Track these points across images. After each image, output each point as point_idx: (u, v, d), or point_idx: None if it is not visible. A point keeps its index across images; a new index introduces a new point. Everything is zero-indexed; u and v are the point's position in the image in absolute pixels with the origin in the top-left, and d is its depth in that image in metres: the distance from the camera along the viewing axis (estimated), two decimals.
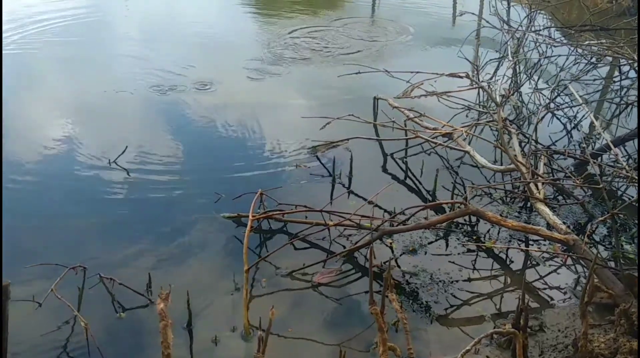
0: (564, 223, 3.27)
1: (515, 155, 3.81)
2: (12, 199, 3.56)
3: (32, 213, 3.49)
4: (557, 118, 4.90)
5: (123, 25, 6.95)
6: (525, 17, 6.04)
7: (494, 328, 2.68)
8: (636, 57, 4.71)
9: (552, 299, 2.98)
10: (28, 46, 6.11)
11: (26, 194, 3.67)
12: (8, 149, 4.04)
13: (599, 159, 4.09)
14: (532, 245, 3.36)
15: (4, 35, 6.23)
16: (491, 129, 4.52)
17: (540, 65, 5.54)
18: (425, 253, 3.25)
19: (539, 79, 5.48)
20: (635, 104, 4.72)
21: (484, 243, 3.33)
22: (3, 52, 5.77)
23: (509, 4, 6.53)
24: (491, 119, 4.41)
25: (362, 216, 3.28)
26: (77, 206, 3.58)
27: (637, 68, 4.80)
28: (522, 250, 3.31)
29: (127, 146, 3.99)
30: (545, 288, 3.06)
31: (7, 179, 3.73)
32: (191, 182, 3.86)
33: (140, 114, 4.82)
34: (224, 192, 3.63)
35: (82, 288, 2.85)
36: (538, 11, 6.18)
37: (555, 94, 5.04)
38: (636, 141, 4.20)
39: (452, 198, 3.69)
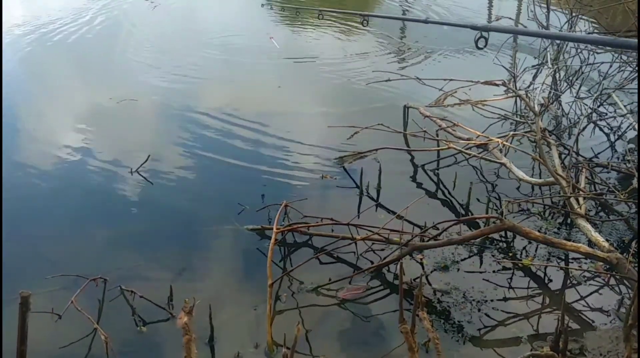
0: (607, 240, 3.24)
1: (555, 168, 3.78)
2: (31, 208, 3.67)
3: (51, 223, 3.58)
4: (600, 129, 4.85)
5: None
6: (566, 22, 6.01)
7: (531, 350, 2.65)
8: None
9: (593, 321, 2.94)
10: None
11: (44, 203, 3.77)
12: (23, 157, 4.16)
13: None
14: (572, 263, 3.33)
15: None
16: (529, 140, 4.50)
17: (582, 72, 5.50)
18: (458, 270, 3.24)
19: (580, 87, 5.44)
20: None
21: (521, 260, 3.31)
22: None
23: (548, 8, 6.50)
24: (529, 129, 4.39)
25: (391, 230, 3.29)
26: (96, 216, 3.67)
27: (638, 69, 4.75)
28: (561, 268, 3.28)
29: (149, 155, 4.07)
30: (586, 309, 3.02)
31: (24, 188, 3.84)
32: (213, 193, 3.93)
33: (155, 122, 4.92)
34: (247, 203, 3.68)
35: (103, 301, 2.92)
36: (579, 16, 6.14)
37: (598, 103, 5.00)
38: None
39: (486, 213, 3.68)
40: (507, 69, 5.55)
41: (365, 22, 4.59)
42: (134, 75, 5.79)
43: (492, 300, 3.03)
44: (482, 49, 2.74)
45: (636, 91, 5.16)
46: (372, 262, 3.24)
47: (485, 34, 2.59)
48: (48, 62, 6.16)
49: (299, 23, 7.53)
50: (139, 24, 7.42)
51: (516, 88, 4.96)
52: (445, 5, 8.34)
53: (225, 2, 8.96)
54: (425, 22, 4.53)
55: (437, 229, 3.36)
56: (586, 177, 3.82)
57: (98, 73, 5.89)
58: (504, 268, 3.27)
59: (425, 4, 8.42)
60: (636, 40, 2.76)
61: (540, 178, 3.96)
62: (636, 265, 3.20)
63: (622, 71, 5.35)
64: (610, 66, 5.44)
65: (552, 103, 5.00)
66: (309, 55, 6.34)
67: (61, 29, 7.04)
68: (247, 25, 7.55)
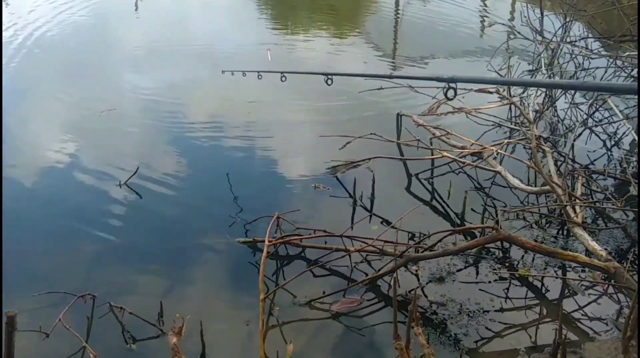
0: (604, 248, 3.25)
1: (550, 175, 3.80)
2: (17, 223, 3.65)
3: (38, 238, 3.57)
4: (596, 135, 4.88)
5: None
6: (560, 27, 6.05)
7: None
8: None
9: (592, 331, 2.94)
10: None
11: (31, 218, 3.75)
12: (8, 171, 4.15)
13: None
14: (570, 272, 3.34)
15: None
16: (524, 148, 4.51)
17: (577, 78, 5.53)
18: (454, 281, 3.24)
19: (575, 93, 5.47)
20: None
21: (518, 270, 3.32)
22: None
23: (542, 13, 6.55)
24: (524, 136, 4.42)
25: (386, 241, 3.29)
26: (84, 230, 3.65)
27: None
28: (558, 277, 3.29)
29: (138, 167, 4.07)
30: (584, 320, 3.02)
31: (10, 202, 3.82)
32: (203, 205, 3.92)
33: (143, 133, 4.91)
34: (238, 215, 3.68)
35: (92, 318, 2.90)
36: (574, 21, 6.18)
37: (594, 109, 5.02)
38: None
39: (482, 222, 3.68)
40: (500, 76, 5.59)
41: (330, 80, 4.27)
42: (121, 83, 5.79)
43: (488, 311, 3.03)
44: (452, 99, 2.74)
45: (632, 96, 5.19)
46: (366, 274, 3.24)
47: (453, 84, 2.58)
48: (26, 69, 6.14)
49: (291, 32, 7.56)
50: (122, 27, 7.43)
51: (510, 95, 4.99)
52: (444, 6, 8.40)
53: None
54: (390, 77, 4.46)
55: (432, 240, 3.37)
56: (582, 184, 3.84)
57: (82, 81, 5.87)
58: (501, 279, 3.27)
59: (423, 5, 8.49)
60: (635, 84, 2.75)
61: (536, 186, 3.98)
62: (634, 273, 3.21)
63: (617, 76, 5.40)
64: (606, 71, 5.48)
65: (546, 109, 5.03)
66: (301, 62, 6.35)
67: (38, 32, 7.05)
68: (237, 31, 7.57)
